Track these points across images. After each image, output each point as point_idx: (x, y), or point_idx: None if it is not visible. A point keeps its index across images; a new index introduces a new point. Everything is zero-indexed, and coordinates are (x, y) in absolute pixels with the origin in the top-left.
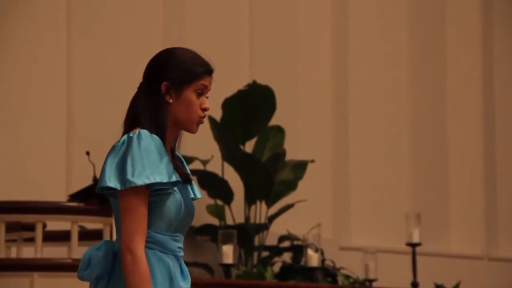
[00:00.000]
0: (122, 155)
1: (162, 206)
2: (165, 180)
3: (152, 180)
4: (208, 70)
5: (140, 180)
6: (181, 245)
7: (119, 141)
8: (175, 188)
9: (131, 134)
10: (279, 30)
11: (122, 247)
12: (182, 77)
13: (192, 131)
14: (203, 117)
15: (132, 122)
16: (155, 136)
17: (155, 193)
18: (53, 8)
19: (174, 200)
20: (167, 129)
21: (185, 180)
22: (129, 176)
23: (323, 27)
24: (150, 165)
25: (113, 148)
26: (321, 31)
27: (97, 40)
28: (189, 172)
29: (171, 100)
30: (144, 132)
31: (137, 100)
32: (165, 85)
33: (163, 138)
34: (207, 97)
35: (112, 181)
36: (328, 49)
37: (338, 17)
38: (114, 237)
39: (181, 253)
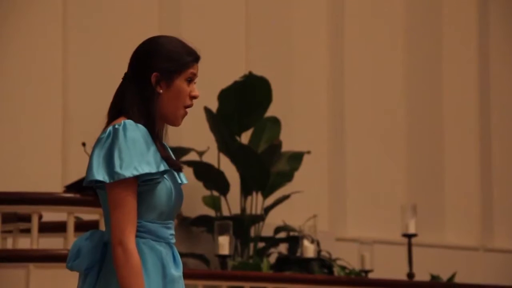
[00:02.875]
0: (109, 147)
1: (152, 196)
2: (153, 170)
3: (140, 171)
4: (196, 58)
5: (128, 172)
6: (173, 231)
7: (104, 132)
8: (165, 176)
9: (116, 126)
10: (275, 21)
11: (113, 240)
12: (172, 67)
13: (176, 123)
14: (190, 106)
15: (118, 114)
16: (140, 126)
17: (144, 184)
18: (50, 1)
19: (165, 188)
20: (157, 121)
21: (177, 169)
22: (117, 169)
23: (319, 18)
24: (137, 156)
25: (98, 140)
26: (317, 22)
27: (93, 32)
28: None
29: (161, 91)
30: (129, 123)
31: (124, 91)
32: (155, 76)
33: (153, 129)
34: (194, 83)
35: (100, 174)
36: (324, 40)
37: (334, 8)
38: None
39: (173, 240)
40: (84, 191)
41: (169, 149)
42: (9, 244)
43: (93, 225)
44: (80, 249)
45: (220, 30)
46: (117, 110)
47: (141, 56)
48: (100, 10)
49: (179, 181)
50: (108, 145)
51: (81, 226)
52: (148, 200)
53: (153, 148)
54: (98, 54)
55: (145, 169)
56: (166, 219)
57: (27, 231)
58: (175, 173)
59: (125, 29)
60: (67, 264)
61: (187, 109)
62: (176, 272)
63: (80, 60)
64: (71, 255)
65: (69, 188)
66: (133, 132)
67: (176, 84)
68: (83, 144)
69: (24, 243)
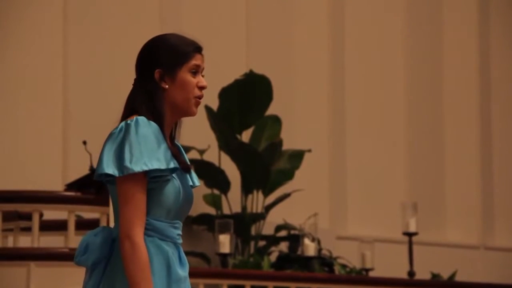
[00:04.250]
0: (120, 142)
1: (160, 193)
2: (163, 166)
3: (150, 166)
4: (196, 48)
5: (138, 166)
6: (180, 232)
7: (116, 128)
8: (174, 175)
9: (128, 121)
10: (276, 20)
11: (121, 235)
12: (173, 60)
13: (191, 113)
14: (201, 96)
15: (129, 116)
16: (152, 123)
17: (153, 180)
18: None
19: (173, 186)
20: (165, 117)
21: (185, 169)
22: (127, 163)
23: (320, 16)
24: (147, 151)
25: (110, 135)
26: (318, 20)
27: (93, 29)
28: (188, 161)
29: (166, 86)
30: (142, 119)
31: (133, 94)
32: (158, 71)
33: (161, 126)
34: (203, 76)
35: (110, 168)
36: (325, 38)
37: (335, 6)
38: (111, 225)
39: (180, 240)
40: (85, 189)
41: (182, 149)
42: (10, 242)
43: (94, 223)
44: (88, 245)
45: (221, 29)
46: (128, 113)
47: (143, 56)
48: (100, 7)
49: (191, 183)
50: (120, 140)
51: (82, 224)
52: (156, 198)
53: (164, 145)
54: (99, 52)
55: (154, 165)
56: (173, 218)
57: (28, 229)
58: (187, 176)
59: (126, 26)
60: (75, 259)
61: (199, 100)
62: (182, 272)
63: (80, 58)
64: (79, 251)
65: (70, 186)
66: (145, 128)
67: (180, 77)
68: (84, 143)
69: (25, 241)
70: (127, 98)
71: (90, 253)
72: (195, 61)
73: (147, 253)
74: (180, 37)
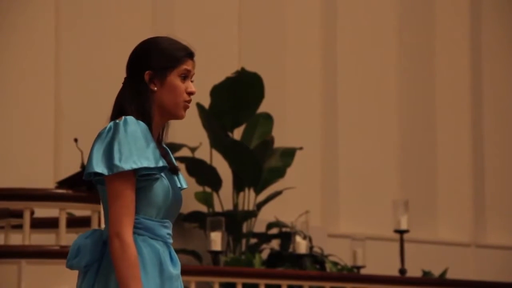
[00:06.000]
0: (109, 141)
1: (150, 192)
2: (152, 165)
3: (139, 165)
4: (188, 54)
5: (127, 165)
6: (170, 231)
7: (105, 127)
8: (163, 174)
9: (117, 121)
10: (268, 17)
11: (110, 233)
12: (164, 63)
13: (179, 116)
14: (189, 101)
15: (118, 115)
16: (141, 122)
17: (142, 179)
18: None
19: (162, 185)
20: (153, 118)
21: (173, 170)
22: (116, 161)
23: (312, 14)
24: (137, 150)
25: (99, 134)
26: (310, 18)
27: (85, 28)
28: (175, 163)
29: (155, 88)
30: (130, 118)
31: (122, 93)
32: (148, 73)
33: (149, 127)
34: (192, 81)
35: (99, 167)
36: (317, 36)
37: (327, 4)
38: (102, 224)
39: (171, 240)
40: (76, 186)
41: (169, 152)
42: (1, 240)
43: (85, 221)
44: (80, 248)
45: (213, 26)
46: (117, 112)
47: (134, 57)
48: (92, 7)
49: (179, 185)
50: (109, 139)
51: (73, 222)
52: (145, 196)
53: (152, 144)
54: (90, 51)
55: (144, 163)
56: (163, 218)
57: (19, 227)
58: (175, 177)
59: (118, 25)
60: (67, 263)
61: (188, 104)
62: (174, 270)
63: (72, 57)
64: (71, 254)
65: (61, 184)
66: (134, 127)
67: (169, 80)
68: (75, 140)
69: (16, 239)
70: (116, 97)
71: (82, 255)
72: (185, 66)
73: (136, 252)
74: (173, 41)
